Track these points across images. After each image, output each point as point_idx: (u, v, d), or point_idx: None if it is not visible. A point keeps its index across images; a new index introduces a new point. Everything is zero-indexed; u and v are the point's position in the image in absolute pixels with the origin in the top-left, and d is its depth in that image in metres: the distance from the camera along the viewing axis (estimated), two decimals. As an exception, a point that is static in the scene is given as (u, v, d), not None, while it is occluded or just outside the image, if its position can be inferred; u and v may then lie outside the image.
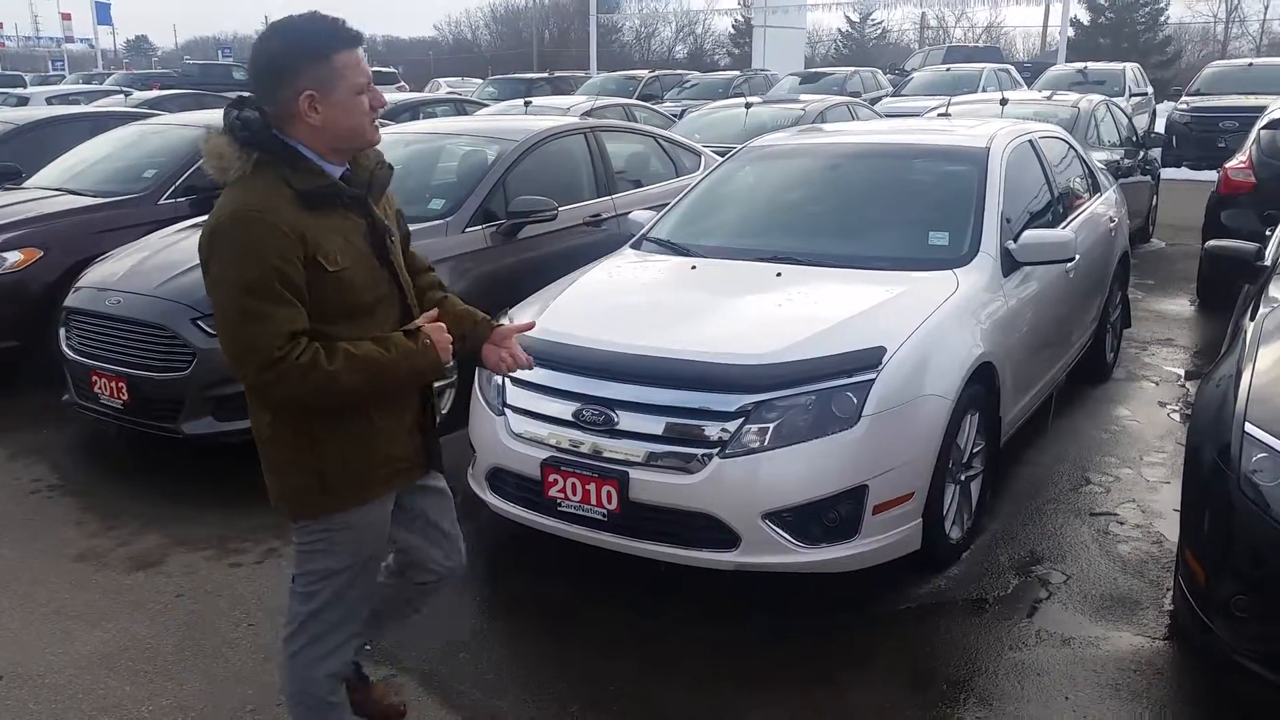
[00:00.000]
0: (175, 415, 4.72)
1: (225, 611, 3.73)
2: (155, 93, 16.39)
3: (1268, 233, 4.95)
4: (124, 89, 16.57)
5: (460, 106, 14.10)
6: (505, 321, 4.08)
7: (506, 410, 3.78)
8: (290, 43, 2.18)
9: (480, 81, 27.55)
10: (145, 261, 5.19)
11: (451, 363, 2.47)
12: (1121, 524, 4.27)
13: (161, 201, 6.78)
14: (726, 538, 3.40)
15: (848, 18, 58.12)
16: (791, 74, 24.04)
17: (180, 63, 43.91)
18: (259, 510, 4.41)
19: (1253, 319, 3.54)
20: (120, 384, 4.83)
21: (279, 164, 2.18)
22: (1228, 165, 8.10)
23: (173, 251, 5.25)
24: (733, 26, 52.44)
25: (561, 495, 3.56)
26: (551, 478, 3.57)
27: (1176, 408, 5.64)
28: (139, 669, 3.38)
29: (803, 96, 13.84)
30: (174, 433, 4.76)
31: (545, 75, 25.85)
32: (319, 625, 2.47)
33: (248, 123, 2.19)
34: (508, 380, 3.82)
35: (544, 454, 3.60)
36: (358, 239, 2.27)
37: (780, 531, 3.37)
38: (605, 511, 3.49)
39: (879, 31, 59.89)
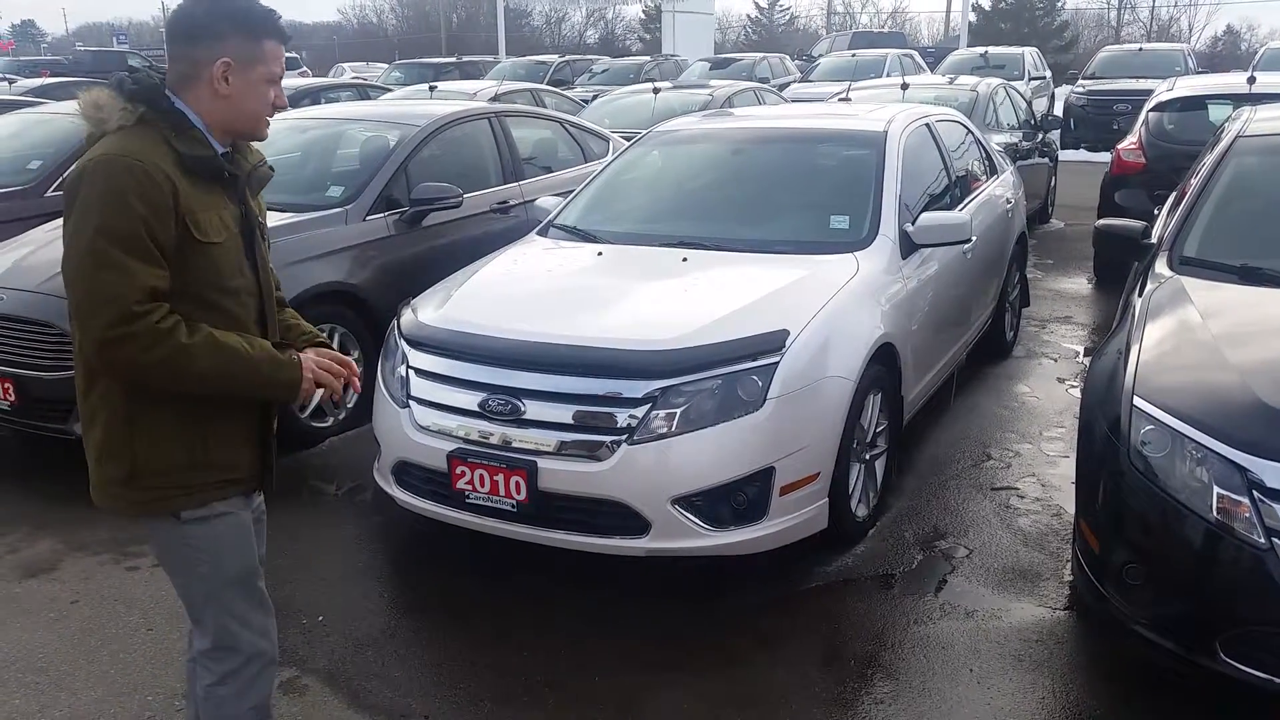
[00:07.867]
0: (66, 416, 4.54)
1: (122, 617, 3.61)
2: (44, 80, 15.69)
3: (1156, 211, 5.11)
4: (6, 76, 15.82)
5: (364, 92, 13.81)
6: (408, 312, 4.04)
7: (411, 402, 3.72)
8: (226, 11, 2.13)
9: (386, 66, 27.01)
10: (30, 257, 4.97)
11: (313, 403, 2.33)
12: (1022, 498, 4.38)
13: (48, 194, 6.50)
14: (637, 524, 3.40)
15: (756, 4, 58.68)
16: (701, 59, 24.11)
17: (71, 49, 42.16)
18: (157, 511, 4.30)
19: (1140, 295, 3.64)
20: (7, 385, 4.64)
21: (164, 123, 2.08)
22: (1119, 146, 8.35)
23: (59, 246, 5.03)
24: (643, 12, 52.30)
25: (470, 487, 3.52)
26: (459, 470, 3.52)
27: (1074, 383, 5.80)
28: (30, 680, 3.25)
29: (711, 82, 13.86)
30: (66, 434, 4.58)
31: (453, 60, 25.40)
32: (228, 655, 2.29)
33: (139, 78, 2.11)
34: (412, 372, 3.76)
35: (450, 446, 3.55)
36: (230, 221, 2.17)
37: (690, 516, 3.39)
38: (514, 502, 3.46)
39: (787, 18, 60.40)
